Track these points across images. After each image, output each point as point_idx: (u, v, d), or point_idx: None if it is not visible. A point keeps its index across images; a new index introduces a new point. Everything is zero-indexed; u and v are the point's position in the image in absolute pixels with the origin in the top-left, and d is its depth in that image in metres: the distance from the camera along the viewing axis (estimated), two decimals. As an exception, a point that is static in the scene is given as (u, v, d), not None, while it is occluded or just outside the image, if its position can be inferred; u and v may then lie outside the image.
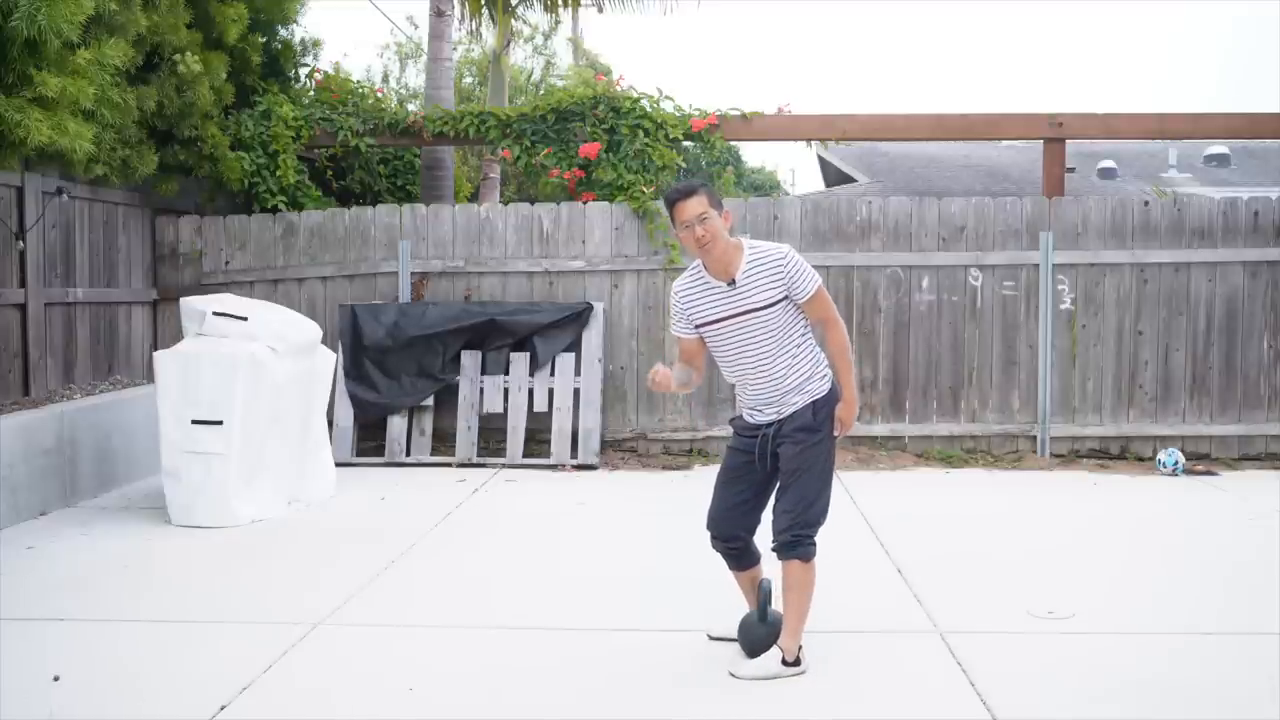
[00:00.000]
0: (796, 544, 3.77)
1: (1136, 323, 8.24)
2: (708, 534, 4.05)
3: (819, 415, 3.82)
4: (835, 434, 3.86)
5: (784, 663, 3.79)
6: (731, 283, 3.80)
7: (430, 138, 9.05)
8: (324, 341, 6.94)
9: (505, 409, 8.12)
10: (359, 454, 8.15)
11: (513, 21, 12.68)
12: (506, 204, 9.10)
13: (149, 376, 7.80)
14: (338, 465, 7.19)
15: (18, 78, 5.97)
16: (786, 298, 3.78)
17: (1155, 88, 63.75)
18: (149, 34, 7.38)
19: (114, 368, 8.08)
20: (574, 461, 7.99)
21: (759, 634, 3.93)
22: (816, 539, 3.83)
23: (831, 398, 3.86)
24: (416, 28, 20.68)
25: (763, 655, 3.84)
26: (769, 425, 3.86)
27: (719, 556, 4.12)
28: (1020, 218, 8.29)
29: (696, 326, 3.91)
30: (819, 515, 3.82)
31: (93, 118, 6.61)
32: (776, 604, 3.93)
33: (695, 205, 3.75)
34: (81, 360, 7.71)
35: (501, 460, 8.03)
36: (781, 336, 3.80)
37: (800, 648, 3.82)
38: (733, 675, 3.79)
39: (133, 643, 4.15)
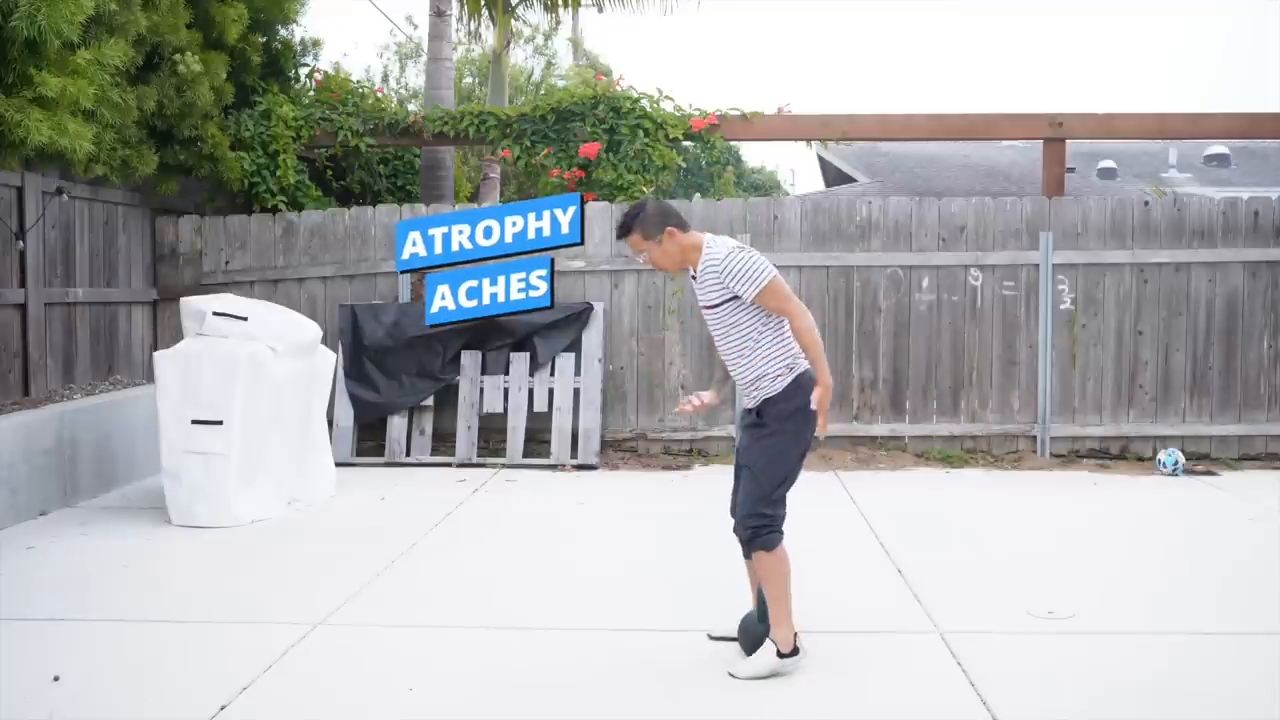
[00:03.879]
0: (754, 536, 3.83)
1: (1136, 323, 8.24)
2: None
3: (766, 414, 3.86)
4: (817, 429, 3.84)
5: (779, 655, 3.79)
6: (694, 277, 3.95)
7: (430, 138, 9.06)
8: (324, 341, 6.94)
9: (505, 409, 8.12)
10: (359, 454, 8.16)
11: (513, 21, 12.68)
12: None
13: (149, 376, 7.80)
14: (338, 465, 7.19)
15: (18, 78, 5.97)
16: (735, 297, 3.80)
17: (1155, 87, 63.81)
18: (149, 34, 7.39)
19: (114, 368, 8.09)
20: (574, 461, 7.99)
21: (759, 633, 3.93)
22: (778, 527, 3.84)
23: (784, 398, 3.83)
24: (416, 28, 20.73)
25: (758, 652, 3.84)
26: (747, 411, 3.97)
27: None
28: (1020, 218, 8.29)
29: None
30: (772, 506, 3.83)
31: (93, 118, 6.61)
32: None
33: (633, 242, 3.93)
34: (81, 360, 7.71)
35: (501, 460, 8.03)
36: (733, 334, 3.86)
37: (795, 634, 3.83)
38: (731, 675, 3.79)
39: (133, 643, 4.15)
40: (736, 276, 3.76)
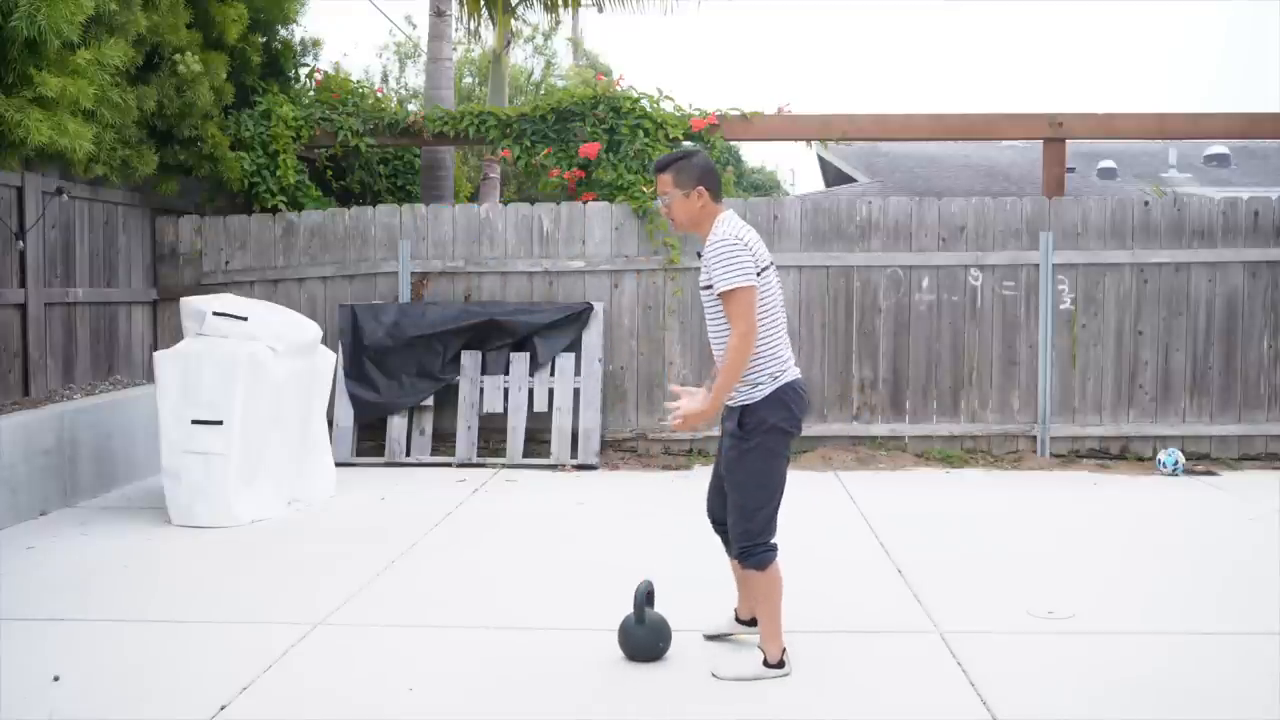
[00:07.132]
0: (748, 554, 3.74)
1: (1136, 323, 8.24)
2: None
3: (745, 423, 3.74)
4: (673, 425, 3.76)
5: (765, 664, 3.78)
6: (699, 254, 3.84)
7: (430, 138, 9.05)
8: (324, 341, 6.94)
9: (505, 409, 8.12)
10: (359, 454, 8.16)
11: (513, 21, 12.68)
12: (506, 204, 9.09)
13: (149, 376, 7.80)
14: (338, 465, 7.19)
15: (18, 78, 5.97)
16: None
17: (1155, 87, 63.80)
18: (149, 34, 7.38)
19: (114, 368, 8.09)
20: (574, 461, 7.99)
21: (637, 636, 3.94)
22: (770, 545, 3.76)
23: (764, 407, 3.72)
24: (416, 28, 20.77)
25: (746, 657, 3.84)
26: (729, 411, 3.84)
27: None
28: (1020, 218, 8.29)
29: None
30: (762, 525, 3.75)
31: (93, 118, 6.61)
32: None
33: (660, 182, 3.83)
34: (81, 360, 7.71)
35: (501, 460, 8.03)
36: (721, 322, 3.76)
37: (784, 649, 3.81)
38: (714, 676, 3.79)
39: (133, 643, 4.15)
40: (717, 263, 3.66)
